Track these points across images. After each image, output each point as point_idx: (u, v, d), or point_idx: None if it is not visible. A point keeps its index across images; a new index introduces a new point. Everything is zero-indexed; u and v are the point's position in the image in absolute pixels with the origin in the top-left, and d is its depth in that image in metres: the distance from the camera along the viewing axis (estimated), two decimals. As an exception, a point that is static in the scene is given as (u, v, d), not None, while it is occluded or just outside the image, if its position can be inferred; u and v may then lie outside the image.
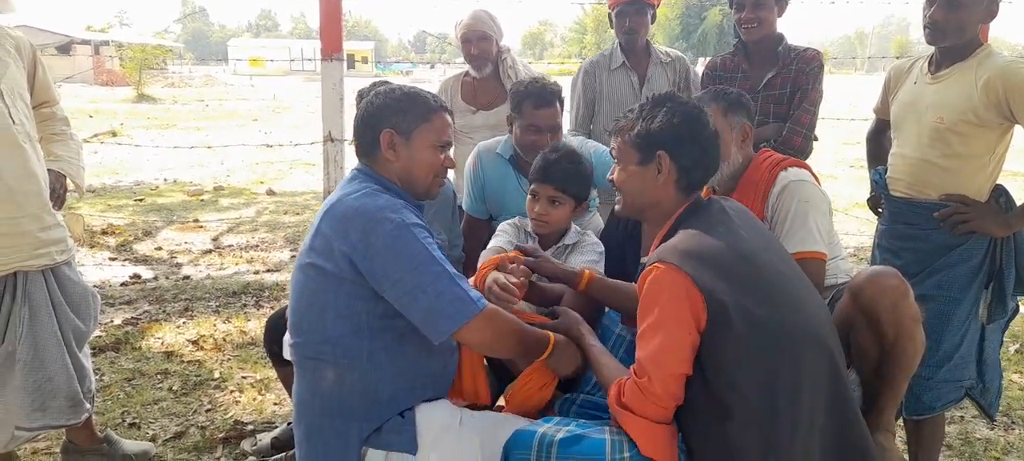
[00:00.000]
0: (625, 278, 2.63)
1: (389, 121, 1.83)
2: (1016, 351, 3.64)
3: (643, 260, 1.74)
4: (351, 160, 1.95)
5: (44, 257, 2.17)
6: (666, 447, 1.55)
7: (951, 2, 2.21)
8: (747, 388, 1.50)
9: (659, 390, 1.53)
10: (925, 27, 2.29)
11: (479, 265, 2.21)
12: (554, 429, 1.66)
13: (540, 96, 2.66)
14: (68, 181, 2.39)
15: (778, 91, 2.93)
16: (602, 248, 2.44)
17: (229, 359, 3.48)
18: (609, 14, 3.46)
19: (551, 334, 1.84)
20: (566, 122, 3.05)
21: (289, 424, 2.66)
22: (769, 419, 1.50)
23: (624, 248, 2.56)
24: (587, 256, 2.37)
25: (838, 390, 1.58)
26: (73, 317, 2.27)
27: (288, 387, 2.57)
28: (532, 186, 2.37)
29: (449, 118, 1.91)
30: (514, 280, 1.99)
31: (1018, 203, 2.34)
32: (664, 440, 1.56)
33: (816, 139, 3.03)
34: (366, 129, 1.85)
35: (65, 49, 36.92)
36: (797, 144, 2.81)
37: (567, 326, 1.92)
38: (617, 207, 1.85)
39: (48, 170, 2.26)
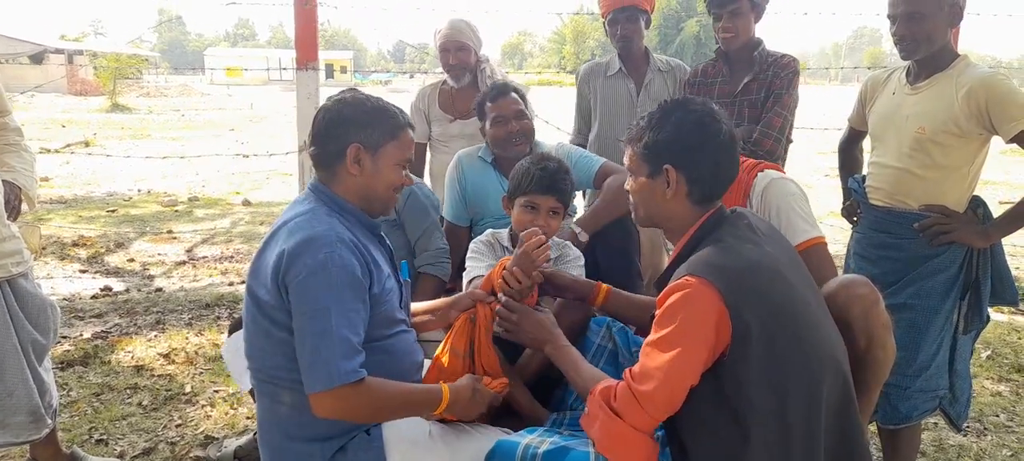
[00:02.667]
0: (598, 278, 2.64)
1: (357, 135, 1.76)
2: (988, 357, 3.69)
3: (674, 271, 1.66)
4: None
5: (0, 270, 2.11)
6: (645, 458, 1.52)
7: (911, 15, 2.24)
8: (765, 408, 1.45)
9: (660, 399, 1.48)
10: (896, 45, 2.33)
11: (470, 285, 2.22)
12: (538, 440, 1.65)
13: (494, 90, 2.80)
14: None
15: (754, 95, 2.95)
16: (582, 262, 2.42)
17: (201, 373, 3.42)
18: (603, 25, 3.48)
19: (445, 389, 1.76)
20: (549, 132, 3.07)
21: (254, 434, 2.62)
22: (784, 440, 1.47)
23: (595, 249, 2.57)
24: (573, 272, 2.33)
25: (849, 417, 1.56)
26: (32, 330, 2.21)
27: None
28: (528, 198, 2.28)
29: (413, 135, 1.87)
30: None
31: (993, 213, 2.36)
32: (647, 452, 1.51)
33: (791, 142, 3.05)
34: (330, 139, 1.77)
35: (38, 58, 36.34)
36: (767, 146, 2.82)
37: (536, 338, 1.89)
38: (634, 217, 1.80)
39: (2, 181, 2.21)
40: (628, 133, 1.75)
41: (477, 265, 2.35)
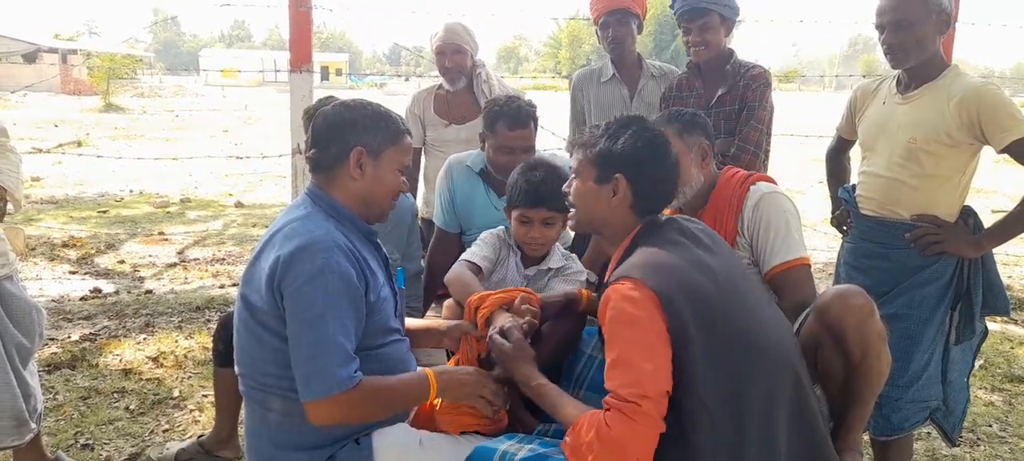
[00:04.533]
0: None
1: (360, 138, 1.74)
2: (981, 367, 3.68)
3: (605, 279, 1.69)
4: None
5: None
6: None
7: (898, 24, 2.24)
8: (714, 406, 1.46)
9: (654, 411, 1.44)
10: (886, 54, 2.32)
11: (456, 280, 2.18)
12: (516, 447, 1.64)
13: (514, 117, 2.60)
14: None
15: (728, 107, 2.95)
16: (584, 276, 2.40)
17: (190, 377, 3.39)
18: (595, 29, 3.47)
19: (429, 373, 1.75)
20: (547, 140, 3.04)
21: (198, 438, 2.62)
22: (738, 438, 1.47)
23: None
24: (571, 284, 2.32)
25: (805, 409, 1.56)
26: (16, 333, 2.18)
27: (220, 391, 2.53)
28: (520, 212, 2.29)
29: (411, 141, 1.87)
30: (522, 323, 1.89)
31: (984, 222, 2.36)
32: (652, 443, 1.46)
33: (768, 152, 3.06)
34: (332, 142, 1.75)
35: (31, 57, 36.24)
36: (745, 161, 2.81)
37: (512, 374, 1.82)
38: (569, 222, 1.84)
39: None
40: (579, 137, 1.80)
41: (479, 252, 2.34)
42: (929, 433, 2.96)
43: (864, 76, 2.71)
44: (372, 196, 1.79)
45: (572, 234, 2.80)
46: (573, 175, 1.80)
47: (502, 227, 2.47)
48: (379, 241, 1.90)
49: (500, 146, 2.64)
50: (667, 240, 1.65)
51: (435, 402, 1.85)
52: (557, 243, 2.41)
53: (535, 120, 2.68)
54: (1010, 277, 5.55)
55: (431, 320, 2.11)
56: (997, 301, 2.35)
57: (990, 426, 3.10)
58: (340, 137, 1.75)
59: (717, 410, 1.46)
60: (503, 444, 1.66)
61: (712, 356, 1.47)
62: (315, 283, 1.58)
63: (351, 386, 1.58)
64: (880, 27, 2.30)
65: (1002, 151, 2.17)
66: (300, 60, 4.23)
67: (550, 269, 2.35)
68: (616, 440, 1.45)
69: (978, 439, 2.98)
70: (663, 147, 1.73)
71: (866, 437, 2.42)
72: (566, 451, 1.55)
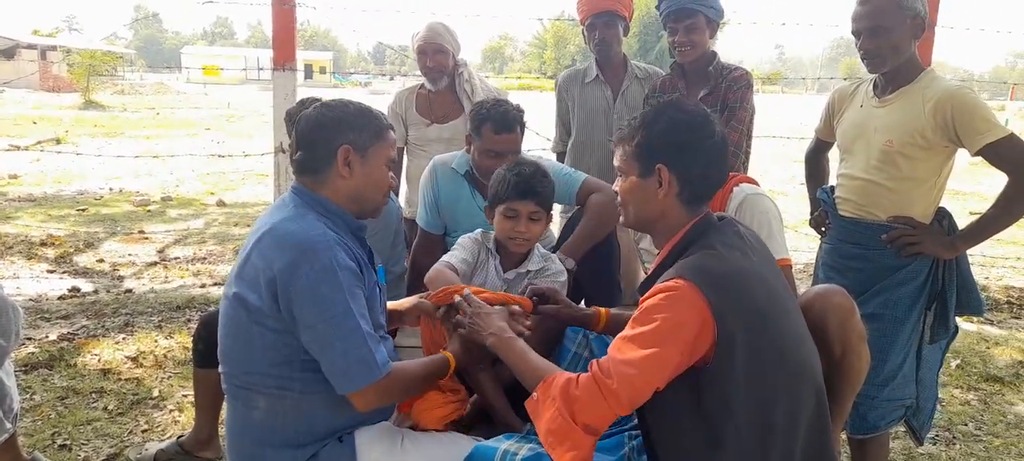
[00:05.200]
0: (579, 289, 2.62)
1: (346, 136, 1.74)
2: (957, 367, 3.74)
3: (662, 273, 1.59)
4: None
5: None
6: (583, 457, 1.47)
7: (874, 30, 2.26)
8: (744, 421, 1.45)
9: (625, 397, 1.43)
10: (863, 60, 2.35)
11: (437, 276, 2.19)
12: (516, 447, 1.65)
13: (501, 121, 2.59)
14: None
15: (709, 108, 2.97)
16: (565, 276, 2.40)
17: (169, 377, 3.36)
18: (582, 30, 3.48)
19: (449, 355, 1.86)
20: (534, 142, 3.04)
21: (178, 438, 2.60)
22: (762, 454, 1.46)
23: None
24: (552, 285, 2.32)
25: (822, 432, 1.56)
26: (-9, 333, 2.15)
27: (200, 391, 2.52)
28: (507, 205, 2.27)
29: (394, 136, 1.88)
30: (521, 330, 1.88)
31: (958, 224, 2.39)
32: (586, 456, 1.47)
33: (748, 154, 3.09)
34: (318, 143, 1.75)
35: (9, 53, 35.72)
36: None
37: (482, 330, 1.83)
38: (621, 220, 1.76)
39: None
40: (618, 133, 1.72)
41: (458, 256, 2.33)
42: (905, 432, 3.00)
43: (845, 79, 2.74)
44: (363, 193, 1.79)
45: (556, 233, 2.81)
46: (618, 174, 1.72)
47: (479, 230, 2.46)
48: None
49: (486, 150, 2.62)
50: (727, 244, 1.57)
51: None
52: (537, 244, 2.40)
53: (522, 125, 2.66)
54: (987, 278, 5.63)
55: (391, 303, 2.12)
56: (971, 301, 2.38)
57: (966, 425, 3.14)
58: (326, 137, 1.74)
59: (744, 426, 1.45)
60: (503, 444, 1.66)
61: (751, 373, 1.45)
62: (329, 282, 1.60)
63: (388, 369, 1.65)
64: (856, 33, 2.32)
65: (976, 154, 2.20)
66: (284, 58, 4.21)
67: (529, 271, 2.35)
68: (576, 400, 1.46)
69: (954, 438, 3.03)
70: (703, 127, 1.62)
71: (843, 436, 2.45)
72: (529, 407, 1.54)
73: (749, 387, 1.44)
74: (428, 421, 1.87)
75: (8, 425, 2.22)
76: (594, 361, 1.50)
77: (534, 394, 1.55)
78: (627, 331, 1.49)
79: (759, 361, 1.45)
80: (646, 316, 1.47)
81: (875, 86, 2.41)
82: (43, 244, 5.83)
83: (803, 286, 1.96)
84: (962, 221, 2.40)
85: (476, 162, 2.71)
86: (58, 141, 13.28)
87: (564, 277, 2.39)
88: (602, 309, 2.07)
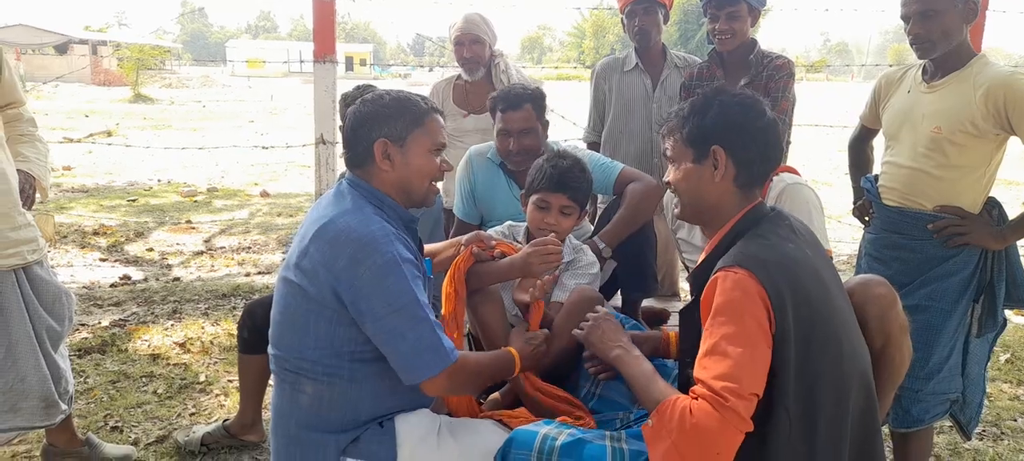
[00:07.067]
0: (614, 280, 2.61)
1: (381, 130, 1.75)
2: (1006, 361, 3.63)
3: (716, 265, 1.56)
4: (343, 163, 1.90)
5: (15, 257, 2.14)
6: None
7: (924, 13, 2.20)
8: (794, 412, 1.43)
9: (743, 409, 1.37)
10: (912, 44, 2.29)
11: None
12: (556, 431, 1.66)
13: (508, 99, 2.65)
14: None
15: None
16: (598, 268, 2.39)
17: (215, 363, 3.45)
18: (621, 18, 3.46)
19: (514, 351, 1.91)
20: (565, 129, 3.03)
21: (223, 422, 2.67)
22: (809, 446, 1.45)
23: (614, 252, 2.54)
24: (581, 279, 2.32)
25: (870, 424, 1.54)
26: (46, 317, 2.23)
27: (245, 377, 2.58)
28: (540, 195, 2.28)
29: (442, 120, 1.86)
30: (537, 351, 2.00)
31: (1010, 215, 2.32)
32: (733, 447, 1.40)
33: (789, 143, 3.03)
34: (357, 140, 1.77)
35: (62, 49, 36.92)
36: None
37: (608, 343, 1.79)
38: (676, 211, 1.74)
39: (17, 171, 2.23)
40: (667, 124, 1.70)
41: None
42: (950, 427, 2.93)
43: (891, 65, 2.67)
44: (408, 182, 1.80)
45: (590, 227, 2.81)
46: (669, 165, 1.70)
47: (507, 223, 2.48)
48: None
49: (500, 130, 2.68)
50: (780, 235, 1.56)
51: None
52: (569, 235, 2.40)
53: (534, 101, 2.66)
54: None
55: (437, 245, 2.30)
56: (1020, 294, 2.31)
57: (1015, 421, 3.05)
58: (362, 134, 1.77)
59: (796, 417, 1.44)
60: (543, 429, 1.67)
61: (804, 363, 1.44)
62: (394, 274, 1.63)
63: (457, 356, 1.69)
64: (906, 17, 2.26)
65: (1029, 142, 2.14)
66: (324, 51, 4.27)
67: (561, 263, 2.35)
68: (699, 431, 1.38)
69: (1002, 434, 2.95)
70: (755, 107, 1.61)
71: (886, 429, 2.40)
72: (646, 433, 1.50)
73: (800, 380, 1.43)
74: (462, 409, 1.89)
75: (64, 407, 2.31)
76: (695, 387, 1.45)
77: (650, 420, 1.51)
78: (716, 331, 1.44)
79: (811, 354, 1.44)
80: (725, 317, 1.44)
81: (924, 71, 2.35)
82: (95, 233, 6.03)
83: (845, 277, 1.92)
84: (1013, 211, 2.32)
85: (497, 147, 2.73)
86: (109, 134, 13.69)
87: (596, 268, 2.38)
88: (669, 332, 2.04)
